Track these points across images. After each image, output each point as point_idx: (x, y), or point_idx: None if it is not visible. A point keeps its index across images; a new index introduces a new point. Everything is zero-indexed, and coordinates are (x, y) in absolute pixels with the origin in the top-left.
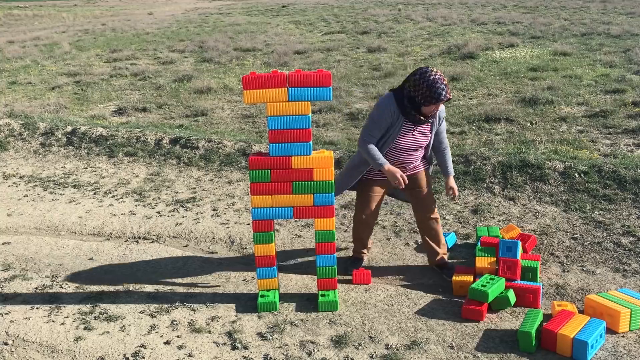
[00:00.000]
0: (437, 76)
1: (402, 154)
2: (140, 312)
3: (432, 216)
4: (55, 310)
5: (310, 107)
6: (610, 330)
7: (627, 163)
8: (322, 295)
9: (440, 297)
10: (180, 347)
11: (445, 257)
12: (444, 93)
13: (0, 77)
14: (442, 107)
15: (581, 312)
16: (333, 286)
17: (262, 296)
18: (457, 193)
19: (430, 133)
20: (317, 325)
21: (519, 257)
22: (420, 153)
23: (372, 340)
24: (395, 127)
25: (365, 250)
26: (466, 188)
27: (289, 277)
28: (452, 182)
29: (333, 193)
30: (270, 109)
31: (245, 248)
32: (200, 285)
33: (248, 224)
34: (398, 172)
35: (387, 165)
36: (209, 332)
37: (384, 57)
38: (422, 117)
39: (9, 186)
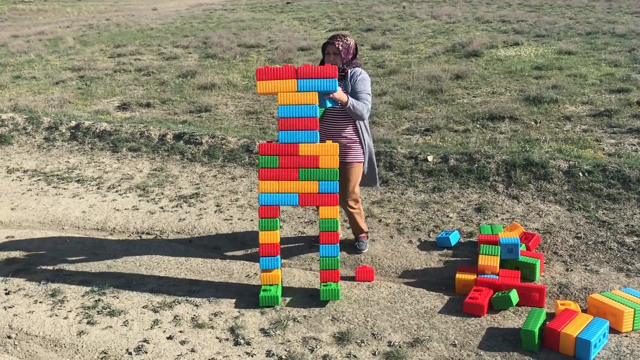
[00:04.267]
0: None
1: (328, 117)
2: (143, 307)
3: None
4: (58, 304)
5: (317, 98)
6: (613, 330)
7: (631, 162)
8: (325, 285)
9: (443, 295)
10: (183, 342)
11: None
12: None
13: (5, 71)
14: (360, 70)
15: (584, 311)
16: (335, 278)
17: (264, 290)
18: (335, 96)
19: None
20: (320, 321)
21: (519, 255)
22: (343, 122)
23: (375, 338)
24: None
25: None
26: (470, 186)
27: (291, 273)
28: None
29: (337, 181)
30: (281, 98)
31: (248, 244)
32: (203, 280)
33: (251, 220)
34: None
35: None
36: (212, 327)
37: (388, 55)
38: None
39: (12, 180)
